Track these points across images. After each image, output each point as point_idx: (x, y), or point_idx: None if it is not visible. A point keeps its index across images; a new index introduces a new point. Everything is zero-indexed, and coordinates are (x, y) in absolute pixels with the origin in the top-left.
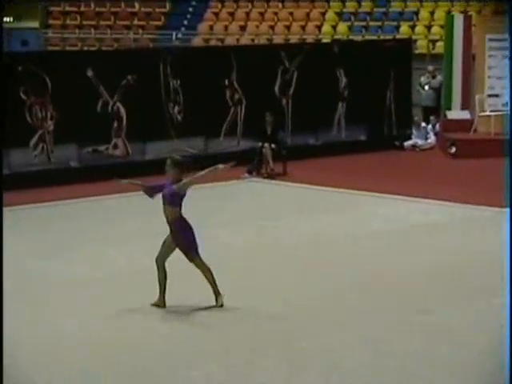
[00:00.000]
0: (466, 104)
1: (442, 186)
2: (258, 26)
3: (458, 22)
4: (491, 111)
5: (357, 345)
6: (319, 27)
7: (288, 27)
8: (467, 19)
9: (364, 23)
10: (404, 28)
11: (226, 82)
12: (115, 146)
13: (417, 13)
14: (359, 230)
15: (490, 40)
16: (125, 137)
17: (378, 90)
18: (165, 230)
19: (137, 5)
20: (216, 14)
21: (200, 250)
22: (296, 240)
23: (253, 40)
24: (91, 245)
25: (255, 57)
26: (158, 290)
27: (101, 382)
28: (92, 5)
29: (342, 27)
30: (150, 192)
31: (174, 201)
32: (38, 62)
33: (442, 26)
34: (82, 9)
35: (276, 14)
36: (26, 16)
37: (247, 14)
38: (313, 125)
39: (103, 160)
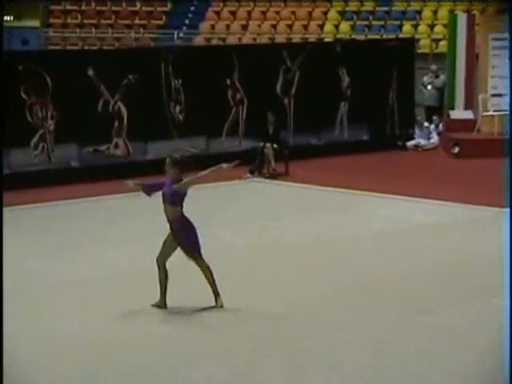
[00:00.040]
0: (470, 104)
1: (445, 186)
2: (259, 25)
3: (462, 21)
4: (494, 111)
5: (357, 345)
6: (321, 26)
7: (290, 26)
8: (470, 18)
9: (367, 22)
10: (407, 27)
11: (228, 81)
12: (116, 146)
13: (420, 12)
14: (361, 231)
15: (494, 39)
16: (126, 136)
17: (381, 89)
18: (166, 230)
19: (138, 4)
20: (218, 13)
21: (202, 250)
22: (298, 240)
23: (255, 39)
24: (92, 245)
25: (257, 56)
26: (158, 291)
27: (101, 382)
28: (93, 4)
29: (345, 26)
30: (148, 190)
31: (174, 200)
32: (39, 61)
33: (445, 25)
34: (83, 8)
35: (278, 13)
36: (27, 15)
37: (249, 13)
38: (315, 124)
39: (104, 160)
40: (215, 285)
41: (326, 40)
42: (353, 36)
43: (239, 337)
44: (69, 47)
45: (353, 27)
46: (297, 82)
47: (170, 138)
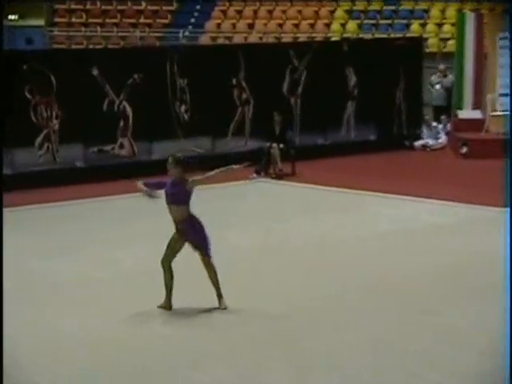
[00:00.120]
0: (478, 103)
1: (452, 186)
2: (266, 24)
3: (470, 20)
4: (502, 111)
5: (357, 345)
6: (328, 25)
7: (297, 25)
8: (479, 17)
9: (374, 21)
10: (415, 26)
11: (234, 80)
12: (121, 146)
13: (428, 11)
14: (366, 231)
15: (502, 39)
16: (131, 136)
17: (388, 88)
18: (171, 231)
19: (143, 3)
20: (224, 12)
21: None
22: (303, 241)
23: (261, 38)
24: (97, 245)
25: (263, 55)
26: (163, 292)
27: (101, 382)
28: (98, 3)
29: (352, 25)
30: (150, 192)
31: (179, 199)
32: (43, 60)
33: (453, 24)
34: (88, 7)
35: (284, 12)
36: (31, 14)
37: (255, 11)
38: (322, 124)
39: (109, 160)
40: (219, 286)
41: (333, 39)
42: (360, 35)
43: (242, 338)
44: (73, 46)
45: (360, 26)
46: (303, 81)
47: (175, 138)
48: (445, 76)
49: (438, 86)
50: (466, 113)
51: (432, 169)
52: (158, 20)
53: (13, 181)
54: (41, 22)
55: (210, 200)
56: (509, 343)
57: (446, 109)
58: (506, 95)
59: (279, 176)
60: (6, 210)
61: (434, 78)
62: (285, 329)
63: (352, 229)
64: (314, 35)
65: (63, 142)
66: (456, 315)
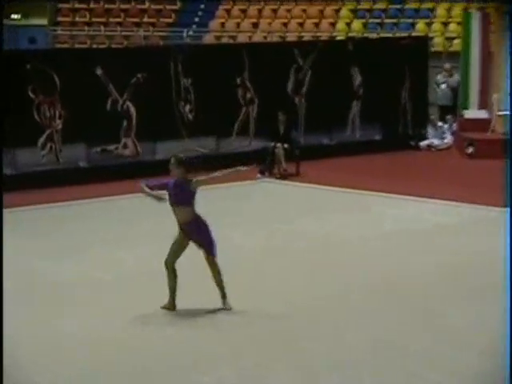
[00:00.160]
0: (484, 103)
1: (458, 186)
2: (270, 23)
3: (476, 19)
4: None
5: (357, 345)
6: (333, 24)
7: (301, 24)
8: (485, 16)
9: (379, 20)
10: (420, 25)
11: (238, 80)
12: (125, 146)
13: (433, 10)
14: (371, 231)
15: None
16: (134, 136)
17: (394, 88)
18: (175, 231)
19: (147, 2)
20: (228, 11)
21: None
22: (307, 241)
23: (265, 37)
24: (100, 246)
25: (268, 55)
26: (166, 293)
27: (101, 382)
28: (101, 2)
29: (357, 24)
30: (154, 193)
31: (183, 200)
32: (47, 59)
33: (459, 23)
34: (92, 6)
35: (289, 11)
36: (34, 13)
37: (259, 10)
38: (326, 124)
39: (112, 160)
40: (223, 287)
41: (338, 38)
42: (365, 34)
43: (245, 338)
44: (77, 45)
45: (365, 25)
46: (308, 80)
47: (179, 138)
48: (450, 75)
49: (443, 86)
50: (472, 112)
51: (437, 169)
52: (161, 19)
53: (15, 181)
54: (44, 21)
55: (214, 200)
56: (509, 343)
57: (452, 108)
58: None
59: (284, 176)
60: (8, 211)
61: (439, 78)
62: (287, 329)
63: (356, 229)
64: (318, 34)
65: (66, 142)
66: (456, 315)
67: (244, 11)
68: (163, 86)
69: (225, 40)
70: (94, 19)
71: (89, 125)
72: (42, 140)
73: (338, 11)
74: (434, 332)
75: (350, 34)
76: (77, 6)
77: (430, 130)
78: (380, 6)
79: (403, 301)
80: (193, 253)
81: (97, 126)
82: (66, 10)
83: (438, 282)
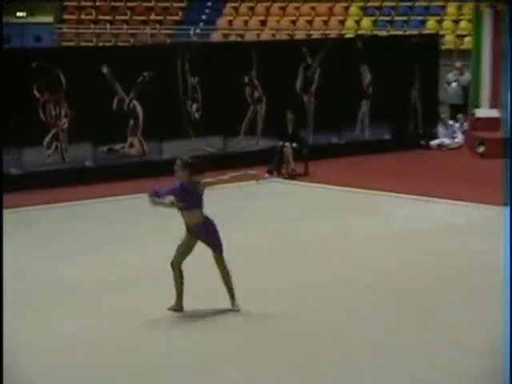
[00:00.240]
0: (495, 102)
1: (469, 186)
2: (278, 21)
3: (487, 16)
4: None
5: (357, 345)
6: (342, 22)
7: (310, 22)
8: (496, 14)
9: (389, 18)
10: (430, 23)
11: (246, 78)
12: (131, 145)
13: (444, 7)
14: (379, 232)
15: None
16: (141, 135)
17: (404, 87)
18: (181, 232)
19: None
20: (235, 9)
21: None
22: (315, 242)
23: (273, 35)
24: (106, 246)
25: (276, 53)
26: (171, 293)
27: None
28: None
29: (366, 22)
30: (163, 197)
31: (192, 204)
32: (52, 58)
33: (470, 21)
34: (98, 3)
35: (297, 8)
36: (40, 11)
37: (268, 8)
38: (336, 123)
39: (119, 159)
40: (232, 288)
41: (347, 36)
42: (375, 32)
43: (253, 340)
44: (83, 44)
45: (375, 23)
46: (317, 79)
47: (186, 137)
48: (461, 74)
49: (454, 84)
50: (483, 111)
51: (448, 169)
52: (168, 17)
53: (21, 181)
54: (50, 19)
55: (222, 200)
56: (509, 343)
57: (463, 107)
58: None
59: (292, 176)
60: (14, 211)
61: (450, 76)
62: (288, 329)
63: (364, 229)
64: (327, 32)
65: (72, 141)
66: (457, 315)
67: (252, 9)
68: (170, 84)
69: (232, 38)
70: (100, 17)
71: (95, 124)
72: (47, 139)
73: (347, 9)
74: (434, 332)
75: (360, 32)
76: (83, 3)
77: (441, 129)
78: (390, 3)
79: (404, 301)
80: (200, 253)
81: (103, 125)
82: (72, 8)
83: (441, 282)
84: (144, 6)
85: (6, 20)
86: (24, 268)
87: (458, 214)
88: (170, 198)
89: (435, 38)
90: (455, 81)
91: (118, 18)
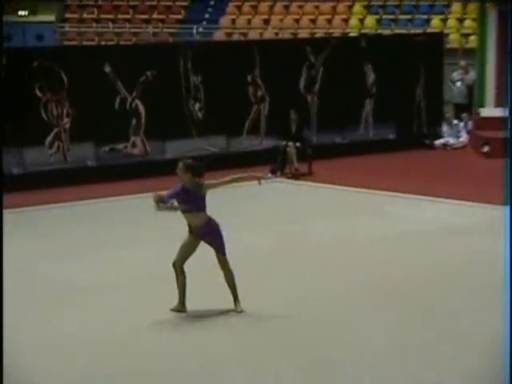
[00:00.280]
0: (500, 101)
1: (473, 186)
2: (282, 20)
3: (492, 15)
4: None
5: (357, 345)
6: (346, 21)
7: (313, 21)
8: (501, 13)
9: (393, 16)
10: (435, 21)
11: (249, 77)
12: (134, 145)
13: (448, 5)
14: (383, 232)
15: None
16: (143, 135)
17: (408, 86)
18: (183, 232)
19: None
20: (238, 8)
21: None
22: (318, 242)
23: (277, 34)
24: (107, 246)
25: (279, 52)
26: (172, 294)
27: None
28: None
29: (370, 20)
30: (169, 201)
31: (194, 207)
32: (54, 57)
33: (474, 19)
34: (100, 2)
35: (301, 7)
36: (42, 10)
37: (271, 7)
38: (339, 123)
39: (121, 159)
40: (235, 289)
41: (351, 35)
42: (379, 31)
43: (254, 340)
44: (85, 43)
45: (379, 21)
46: (320, 78)
47: (189, 137)
48: (466, 73)
49: (459, 83)
50: (488, 111)
51: (452, 168)
52: (171, 16)
53: (23, 180)
54: (51, 17)
55: (225, 200)
56: (509, 343)
57: (468, 107)
58: None
59: (295, 176)
60: (16, 211)
61: (455, 75)
62: (289, 330)
63: (368, 229)
64: (331, 31)
65: (74, 141)
66: (457, 315)
67: (255, 7)
68: (173, 83)
69: (235, 37)
70: (102, 16)
71: (97, 123)
72: (49, 139)
73: (350, 7)
74: (434, 332)
75: (363, 31)
76: (85, 2)
77: (446, 129)
78: (394, 1)
79: (404, 301)
80: (203, 253)
81: (105, 124)
82: (74, 7)
83: (441, 282)
84: (146, 5)
85: (8, 19)
86: (25, 268)
87: (463, 213)
88: (174, 202)
89: (440, 37)
90: (460, 80)
91: (120, 16)
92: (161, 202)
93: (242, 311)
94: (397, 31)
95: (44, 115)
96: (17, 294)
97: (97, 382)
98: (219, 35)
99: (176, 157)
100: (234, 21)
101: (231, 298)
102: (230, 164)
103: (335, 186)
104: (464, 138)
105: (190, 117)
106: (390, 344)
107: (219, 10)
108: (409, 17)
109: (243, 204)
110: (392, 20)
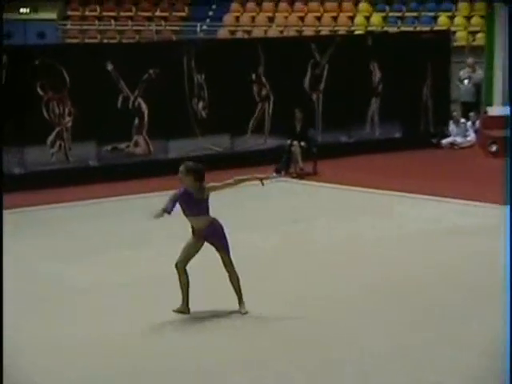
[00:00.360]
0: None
1: (480, 186)
2: (286, 17)
3: (500, 12)
4: None
5: (357, 345)
6: (352, 18)
7: (319, 18)
8: (509, 9)
9: (399, 14)
10: (442, 19)
11: (253, 76)
12: (136, 144)
13: (455, 3)
14: (389, 232)
15: None
16: (146, 134)
17: (414, 84)
18: (187, 232)
19: None
20: (242, 5)
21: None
22: (323, 242)
23: (281, 32)
24: (109, 247)
25: (284, 49)
26: (176, 296)
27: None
28: None
29: (376, 18)
30: (173, 204)
31: (197, 210)
32: (56, 55)
33: (482, 17)
34: None
35: (306, 4)
36: (43, 7)
37: (275, 4)
38: (345, 121)
39: (123, 159)
40: (240, 290)
41: (357, 33)
42: (385, 28)
43: (250, 340)
44: (87, 40)
45: (385, 19)
46: (326, 76)
47: (192, 136)
48: (474, 71)
49: (466, 82)
50: (496, 109)
51: (460, 168)
52: (174, 13)
53: (24, 180)
54: (53, 15)
55: (229, 201)
56: (509, 344)
57: (475, 105)
58: None
59: (300, 175)
60: (17, 211)
61: (462, 73)
62: (291, 330)
63: (374, 229)
64: (336, 28)
65: (76, 140)
66: (457, 315)
67: (259, 5)
68: (176, 82)
69: (239, 34)
70: (104, 13)
71: (99, 122)
72: (51, 138)
73: (356, 4)
74: (434, 332)
75: (369, 28)
76: None
77: (453, 128)
78: None
79: (404, 301)
80: (206, 254)
81: (107, 123)
82: (76, 4)
83: (441, 282)
84: (149, 2)
85: (9, 16)
86: (25, 268)
87: (470, 213)
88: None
89: (447, 35)
90: (467, 78)
91: (122, 14)
92: (166, 212)
93: (246, 313)
94: (403, 29)
95: (45, 114)
96: (17, 294)
97: (97, 382)
98: (223, 33)
99: (179, 156)
100: (237, 18)
101: (235, 299)
102: (234, 163)
103: (340, 186)
104: (471, 137)
105: (194, 116)
106: (390, 344)
107: (223, 8)
108: (415, 14)
109: (248, 204)
110: (398, 17)
